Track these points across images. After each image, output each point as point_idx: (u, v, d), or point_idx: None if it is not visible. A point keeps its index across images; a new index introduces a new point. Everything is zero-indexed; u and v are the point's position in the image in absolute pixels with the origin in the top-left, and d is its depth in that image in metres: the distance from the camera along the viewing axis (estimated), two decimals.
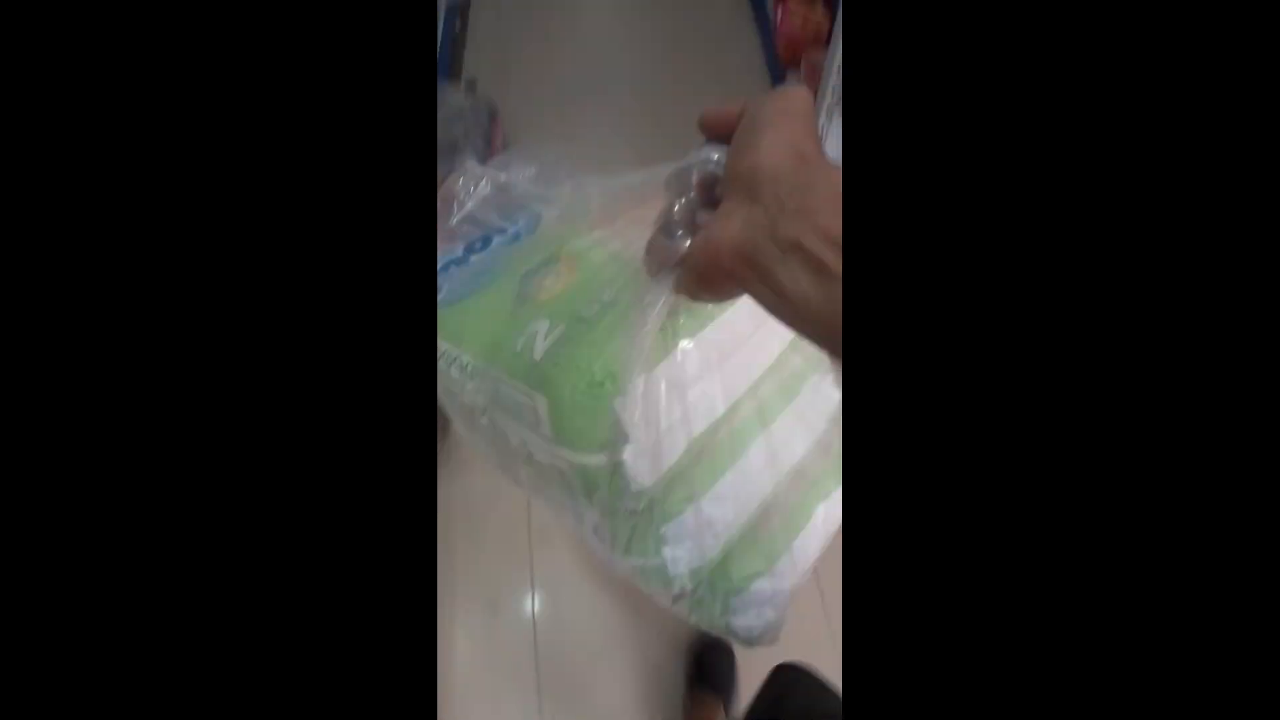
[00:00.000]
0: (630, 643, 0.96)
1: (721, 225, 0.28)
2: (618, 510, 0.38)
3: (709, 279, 0.29)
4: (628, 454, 0.35)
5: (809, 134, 0.28)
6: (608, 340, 0.35)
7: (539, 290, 0.42)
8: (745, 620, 0.47)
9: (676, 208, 0.31)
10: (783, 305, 0.25)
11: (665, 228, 0.31)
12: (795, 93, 0.29)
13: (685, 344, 0.36)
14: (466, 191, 0.47)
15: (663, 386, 0.35)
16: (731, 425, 0.40)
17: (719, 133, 0.31)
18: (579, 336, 0.36)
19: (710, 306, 0.38)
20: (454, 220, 0.47)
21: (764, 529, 0.45)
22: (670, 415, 0.36)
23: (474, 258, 0.47)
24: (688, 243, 0.30)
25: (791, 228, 0.25)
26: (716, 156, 0.30)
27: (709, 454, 0.40)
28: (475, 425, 0.48)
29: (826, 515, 0.48)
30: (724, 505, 0.42)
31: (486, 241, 0.47)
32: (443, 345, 0.45)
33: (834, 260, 0.24)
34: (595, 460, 0.37)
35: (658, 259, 0.31)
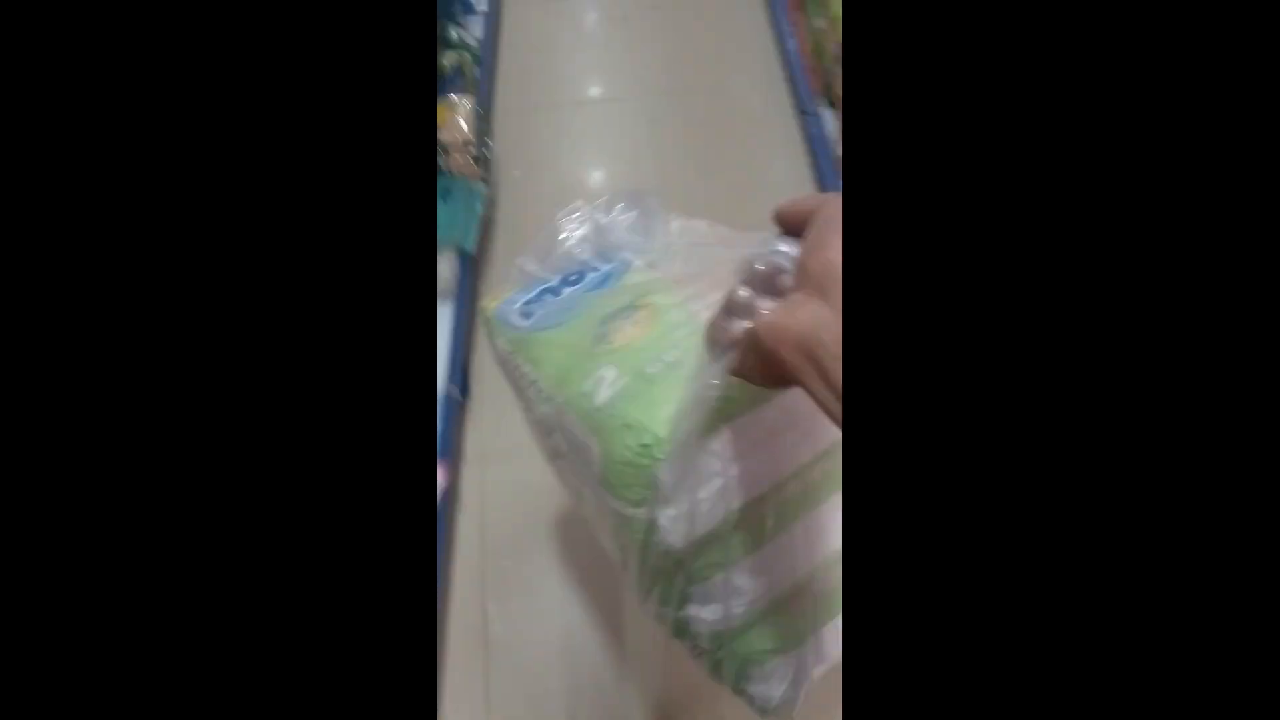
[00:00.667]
0: None
1: (787, 314, 0.28)
2: (647, 561, 0.40)
3: (766, 364, 0.30)
4: (663, 517, 0.37)
5: None
6: (663, 403, 0.37)
7: (615, 334, 0.44)
8: (760, 689, 0.47)
9: (741, 293, 0.32)
10: (837, 404, 0.26)
11: (727, 310, 0.32)
12: None
13: (737, 418, 0.37)
14: (569, 227, 0.51)
15: (707, 459, 0.36)
16: (774, 502, 0.40)
17: (792, 226, 0.32)
18: (638, 393, 0.38)
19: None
20: (554, 254, 0.50)
21: (794, 608, 0.45)
22: (710, 486, 0.37)
23: (566, 290, 0.50)
24: (745, 327, 0.31)
25: None
26: (785, 249, 0.31)
27: (746, 527, 0.40)
28: (546, 439, 0.51)
29: None
30: (755, 578, 0.42)
31: (580, 277, 0.50)
32: (525, 367, 0.48)
33: None
34: (634, 513, 0.38)
35: (717, 340, 0.32)
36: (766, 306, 0.31)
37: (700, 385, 0.33)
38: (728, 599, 0.42)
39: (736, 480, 0.38)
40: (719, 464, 0.37)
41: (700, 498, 0.37)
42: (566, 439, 0.45)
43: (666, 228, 0.50)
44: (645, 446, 0.36)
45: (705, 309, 0.42)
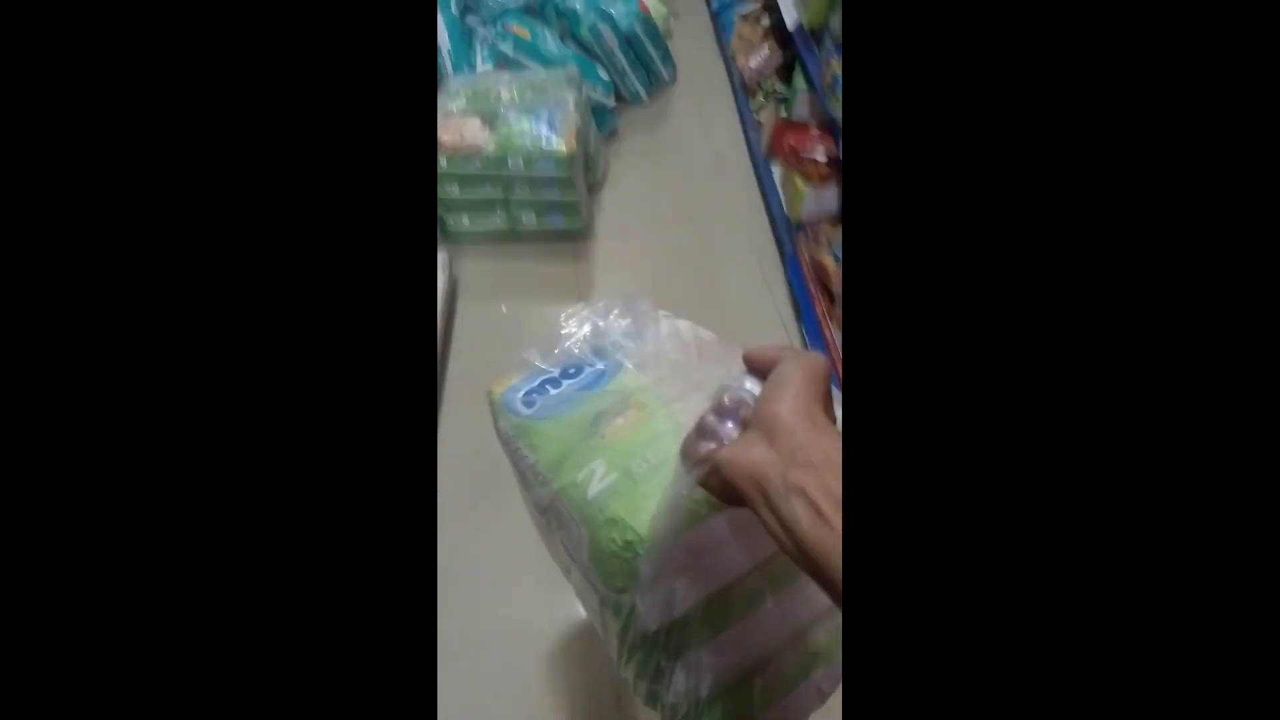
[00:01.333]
0: None
1: (744, 453, 0.35)
2: (627, 639, 0.45)
3: (725, 489, 0.36)
4: (642, 604, 0.42)
5: (822, 399, 0.35)
6: (646, 502, 0.42)
7: (608, 428, 0.50)
8: None
9: (710, 419, 0.38)
10: (785, 534, 0.32)
11: (700, 431, 0.39)
12: (819, 362, 0.36)
13: (707, 519, 0.43)
14: (571, 325, 0.57)
15: (682, 553, 0.42)
16: (739, 590, 0.46)
17: (756, 368, 0.39)
18: (625, 491, 0.44)
19: None
20: (557, 349, 0.56)
21: (758, 680, 0.50)
22: (684, 577, 0.43)
23: (565, 383, 0.56)
24: (713, 447, 0.37)
25: (799, 477, 0.31)
26: (749, 385, 0.38)
27: (718, 609, 0.46)
28: (539, 516, 0.56)
29: (822, 680, 0.52)
30: (723, 654, 0.47)
31: (579, 371, 0.56)
32: (525, 450, 0.54)
33: (831, 512, 0.30)
34: (617, 598, 0.44)
35: (689, 455, 0.39)
36: (729, 434, 0.37)
37: (675, 493, 0.39)
38: (698, 673, 0.47)
39: (707, 571, 0.44)
40: (692, 558, 0.43)
41: (675, 587, 0.42)
42: (558, 519, 0.50)
43: (657, 330, 0.57)
44: (628, 543, 0.42)
45: (685, 413, 0.48)
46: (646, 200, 1.69)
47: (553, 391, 0.55)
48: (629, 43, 1.80)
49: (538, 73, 1.57)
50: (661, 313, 0.61)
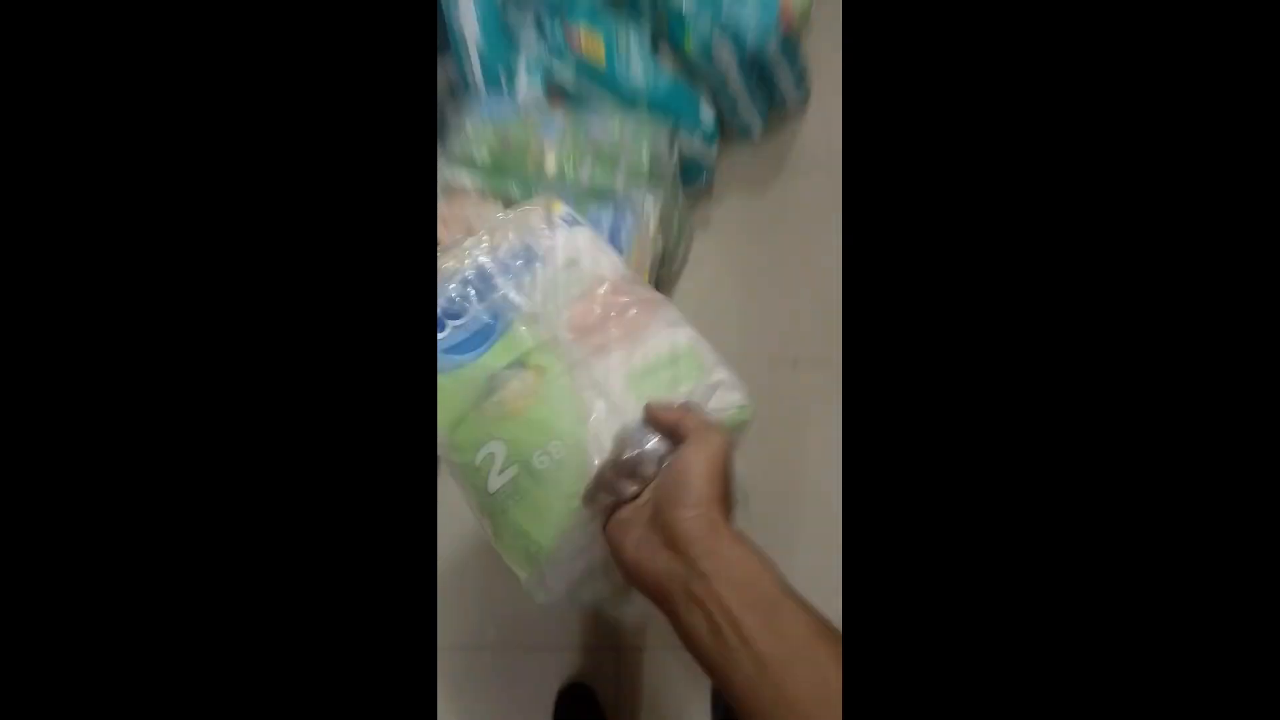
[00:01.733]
0: None
1: (649, 561, 0.35)
2: None
3: (633, 584, 0.36)
4: (543, 600, 0.43)
5: (720, 498, 0.34)
6: (549, 509, 0.41)
7: (504, 392, 0.45)
8: None
9: (610, 474, 0.37)
10: (686, 641, 0.33)
11: (599, 484, 0.37)
12: (717, 452, 0.35)
13: None
14: (452, 262, 0.47)
15: (584, 561, 0.42)
16: None
17: (659, 428, 0.36)
18: (527, 492, 0.41)
19: None
20: (443, 290, 0.48)
21: None
22: (596, 577, 0.44)
23: (449, 324, 0.48)
24: (612, 500, 0.37)
25: (699, 588, 0.32)
26: (650, 445, 0.36)
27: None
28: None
29: None
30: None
31: (462, 314, 0.48)
32: None
33: (726, 627, 0.31)
34: (523, 575, 0.45)
35: (590, 505, 0.38)
36: (626, 489, 0.37)
37: (581, 535, 0.39)
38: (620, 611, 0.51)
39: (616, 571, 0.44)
40: (604, 557, 0.43)
41: (580, 589, 0.44)
42: (459, 484, 0.48)
43: (552, 261, 0.49)
44: (532, 554, 0.41)
45: (587, 386, 0.44)
46: (730, 315, 1.07)
47: (440, 339, 0.48)
48: (753, 63, 1.08)
49: (606, 125, 0.85)
50: (559, 216, 0.52)
